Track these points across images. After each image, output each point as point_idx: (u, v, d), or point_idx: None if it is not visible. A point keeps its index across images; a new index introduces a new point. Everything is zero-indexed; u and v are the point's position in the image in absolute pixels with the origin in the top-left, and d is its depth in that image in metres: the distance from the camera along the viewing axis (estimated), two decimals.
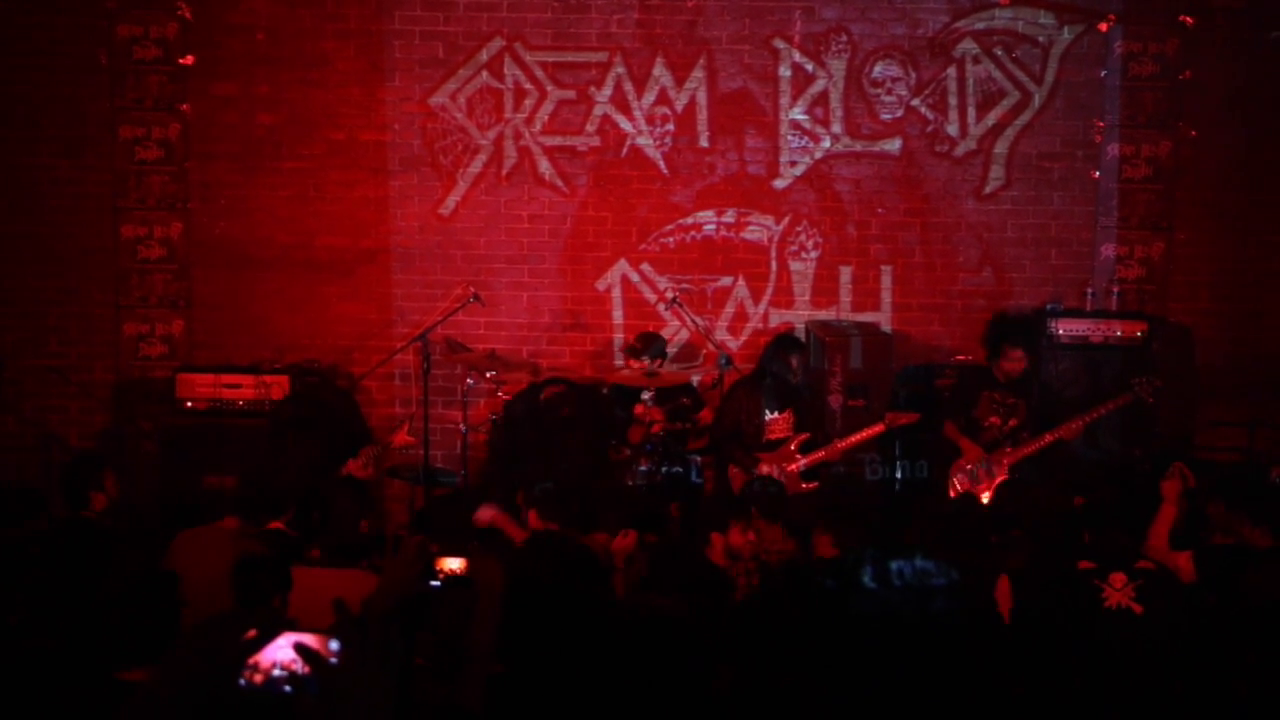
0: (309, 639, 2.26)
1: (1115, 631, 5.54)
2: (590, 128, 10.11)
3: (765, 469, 8.40)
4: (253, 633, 2.25)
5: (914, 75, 10.01)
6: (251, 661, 2.26)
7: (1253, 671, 5.31)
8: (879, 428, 8.54)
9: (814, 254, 10.14)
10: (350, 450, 8.44)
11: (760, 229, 10.15)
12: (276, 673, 2.25)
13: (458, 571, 3.70)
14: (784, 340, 9.05)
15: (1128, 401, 8.32)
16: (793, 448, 8.54)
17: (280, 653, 2.25)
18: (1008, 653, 5.32)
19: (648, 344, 9.31)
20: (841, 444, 8.53)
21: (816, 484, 8.50)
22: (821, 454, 8.54)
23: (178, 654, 2.56)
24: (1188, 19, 9.78)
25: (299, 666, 2.24)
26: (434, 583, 4.22)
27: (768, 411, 8.60)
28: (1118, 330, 9.47)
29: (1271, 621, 5.19)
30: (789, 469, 8.51)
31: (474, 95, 10.09)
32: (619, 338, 10.15)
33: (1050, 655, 5.49)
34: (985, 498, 8.30)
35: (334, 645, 2.26)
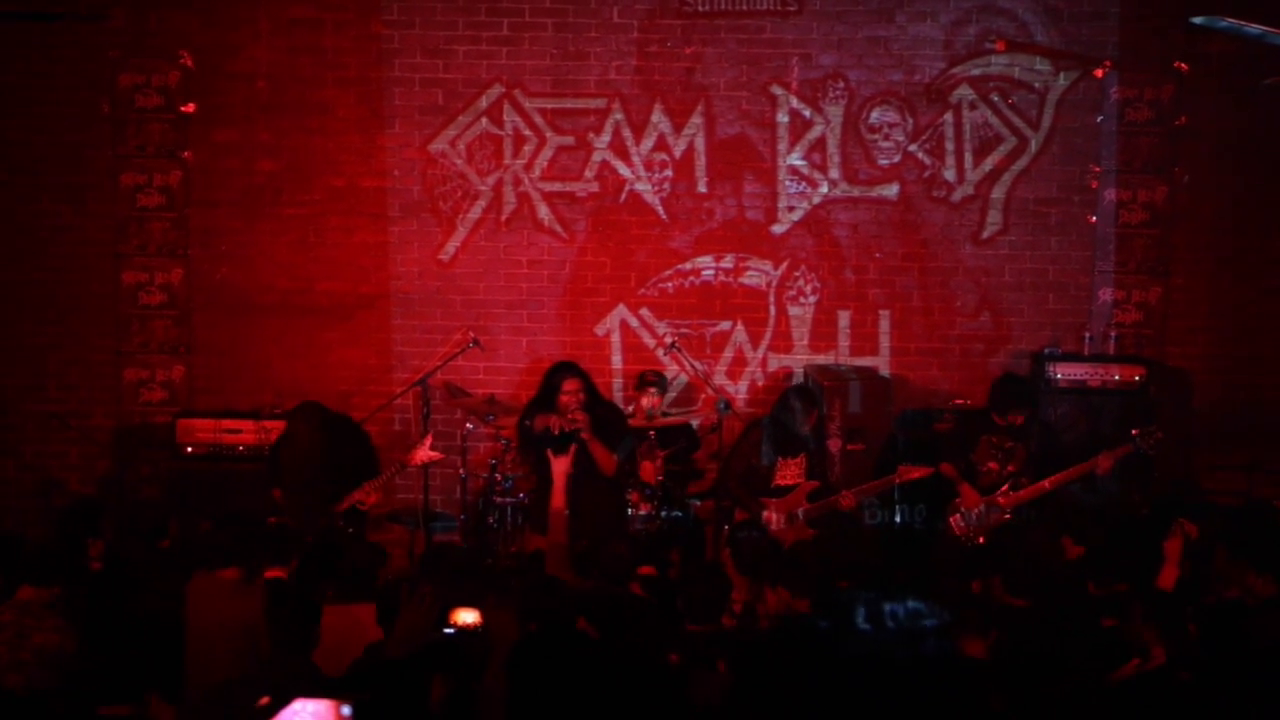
0: (321, 705, 2.26)
1: (1149, 690, 5.47)
2: (589, 174, 10.16)
3: (770, 515, 8.38)
4: (265, 700, 2.26)
5: (911, 121, 10.07)
6: None
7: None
8: (893, 479, 8.51)
9: (812, 299, 10.18)
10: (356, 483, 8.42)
11: (759, 274, 10.19)
12: None
13: (472, 624, 3.72)
14: (796, 390, 9.04)
15: (1128, 452, 8.29)
16: (801, 495, 8.50)
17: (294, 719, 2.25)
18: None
19: (648, 380, 9.52)
20: (853, 493, 8.47)
21: (815, 532, 8.46)
22: (830, 502, 8.48)
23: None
24: (1182, 65, 9.85)
25: None
26: (447, 630, 4.23)
27: (780, 456, 8.58)
28: (1115, 375, 9.47)
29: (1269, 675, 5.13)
30: (796, 514, 8.49)
31: (473, 142, 10.15)
32: (618, 382, 10.18)
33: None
34: (980, 541, 8.29)
35: (346, 711, 2.27)
